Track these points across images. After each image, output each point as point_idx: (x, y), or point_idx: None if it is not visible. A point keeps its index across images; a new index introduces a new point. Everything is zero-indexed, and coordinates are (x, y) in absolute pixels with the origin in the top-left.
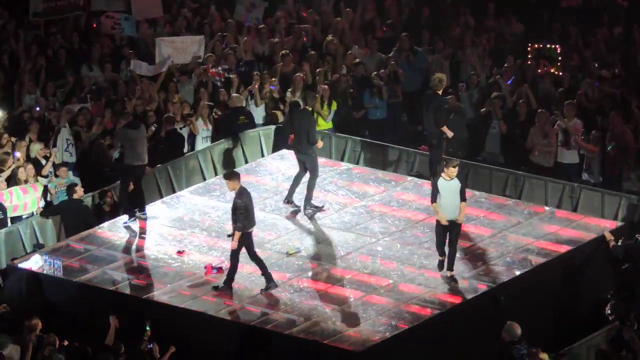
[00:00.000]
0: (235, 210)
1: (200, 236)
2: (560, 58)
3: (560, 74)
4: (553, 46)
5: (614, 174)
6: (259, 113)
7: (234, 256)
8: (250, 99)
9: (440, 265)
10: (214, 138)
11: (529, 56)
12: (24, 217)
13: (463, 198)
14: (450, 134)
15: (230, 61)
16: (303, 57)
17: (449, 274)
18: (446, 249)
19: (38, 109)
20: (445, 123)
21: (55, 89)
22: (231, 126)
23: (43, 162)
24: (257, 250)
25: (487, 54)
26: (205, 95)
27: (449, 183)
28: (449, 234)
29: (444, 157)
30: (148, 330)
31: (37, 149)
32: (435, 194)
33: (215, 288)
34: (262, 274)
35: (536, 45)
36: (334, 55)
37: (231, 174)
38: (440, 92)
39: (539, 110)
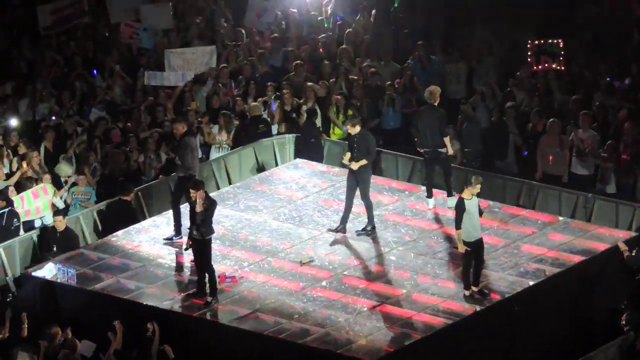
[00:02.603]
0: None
1: (213, 245)
2: (562, 53)
3: (562, 68)
4: (555, 41)
5: (628, 183)
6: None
7: (209, 265)
8: (263, 109)
9: (467, 298)
10: (234, 146)
11: (529, 53)
12: (35, 221)
13: (481, 212)
14: (451, 150)
15: (246, 73)
16: (317, 67)
17: (475, 289)
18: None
19: (54, 118)
20: (449, 133)
21: (70, 98)
22: (251, 135)
23: (64, 178)
24: (271, 259)
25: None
26: (218, 103)
27: (471, 202)
28: (475, 255)
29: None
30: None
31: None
32: (460, 218)
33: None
34: (209, 285)
35: (536, 42)
36: (347, 65)
37: (198, 183)
38: (436, 104)
39: (551, 120)
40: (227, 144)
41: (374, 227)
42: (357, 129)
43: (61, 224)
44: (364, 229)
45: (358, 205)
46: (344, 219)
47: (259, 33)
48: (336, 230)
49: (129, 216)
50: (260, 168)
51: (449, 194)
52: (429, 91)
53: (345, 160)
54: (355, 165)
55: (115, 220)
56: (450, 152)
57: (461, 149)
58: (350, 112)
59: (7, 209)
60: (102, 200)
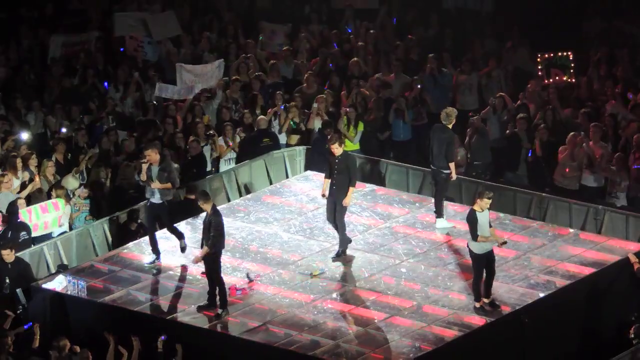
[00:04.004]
0: (211, 227)
1: (224, 257)
2: (573, 65)
3: (574, 80)
4: (565, 54)
5: (638, 196)
6: (282, 137)
7: (219, 277)
8: (274, 119)
9: (477, 310)
10: (238, 159)
11: (539, 67)
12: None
13: (490, 224)
14: (454, 175)
15: (255, 86)
16: (326, 80)
17: (486, 301)
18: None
19: (64, 130)
20: (454, 159)
21: (80, 112)
22: (254, 148)
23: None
24: (281, 271)
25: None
26: (227, 115)
27: (483, 215)
28: (486, 267)
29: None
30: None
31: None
32: (475, 228)
33: (201, 307)
34: (220, 297)
35: (546, 55)
36: (358, 77)
37: (205, 194)
38: (450, 127)
39: (572, 134)
40: (233, 150)
41: (344, 251)
42: (340, 151)
43: (9, 256)
44: (337, 254)
45: (367, 217)
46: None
47: (271, 55)
48: (338, 255)
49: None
50: (271, 180)
51: (438, 216)
52: (446, 112)
53: (324, 190)
54: (347, 201)
55: (182, 217)
56: (454, 177)
57: (467, 159)
58: (361, 124)
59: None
60: (113, 211)
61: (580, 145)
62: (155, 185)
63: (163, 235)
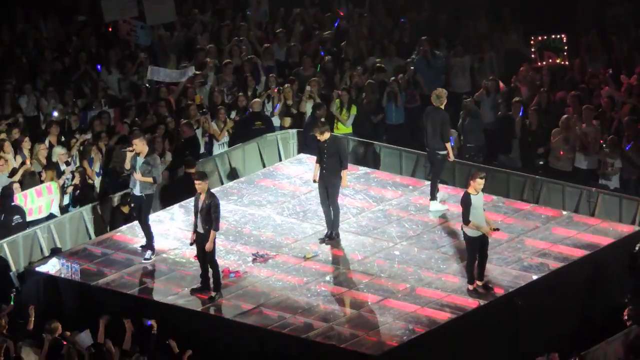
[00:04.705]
0: (210, 209)
1: (217, 240)
2: (566, 47)
3: (567, 63)
4: (558, 36)
5: (631, 178)
6: (275, 120)
7: (213, 259)
8: (267, 101)
9: (471, 293)
10: (230, 142)
11: (532, 49)
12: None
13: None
14: (452, 156)
15: (248, 68)
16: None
17: (479, 283)
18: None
19: (56, 113)
20: (450, 139)
21: (73, 96)
22: (246, 130)
23: (63, 167)
24: (275, 253)
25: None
26: (219, 99)
27: (477, 198)
28: (480, 250)
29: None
30: (153, 326)
31: (58, 152)
32: (467, 212)
33: (194, 290)
34: (213, 280)
35: (539, 38)
36: (351, 61)
37: (205, 175)
38: (442, 107)
39: (565, 116)
40: (228, 130)
41: (338, 234)
42: (327, 135)
43: None
44: (328, 235)
45: (361, 200)
46: (329, 224)
47: (258, 25)
48: (328, 237)
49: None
50: (264, 163)
51: (432, 198)
52: (436, 94)
53: (315, 175)
54: (344, 183)
55: (184, 191)
56: (451, 157)
57: (460, 141)
58: (354, 108)
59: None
60: (107, 193)
61: (573, 127)
62: (137, 176)
63: (156, 218)
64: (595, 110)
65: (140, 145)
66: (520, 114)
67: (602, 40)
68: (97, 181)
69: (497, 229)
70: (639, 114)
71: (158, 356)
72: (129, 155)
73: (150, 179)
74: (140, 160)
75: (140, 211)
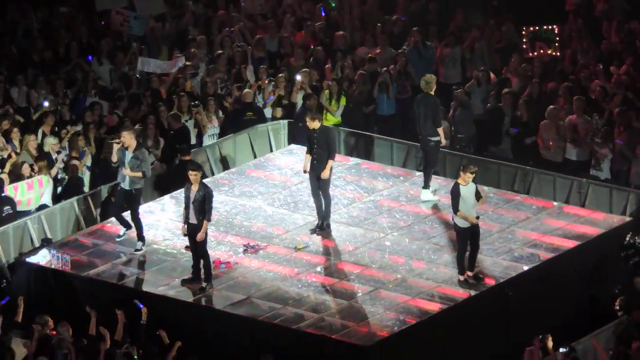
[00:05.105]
0: (205, 200)
1: (208, 231)
2: (558, 39)
3: (558, 54)
4: (550, 27)
5: (622, 169)
6: (267, 110)
7: (204, 249)
8: (258, 93)
9: (461, 284)
10: (222, 133)
11: (524, 40)
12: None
13: (479, 197)
14: (444, 140)
15: (239, 58)
16: (311, 53)
17: (470, 274)
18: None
19: (46, 104)
20: (442, 124)
21: (65, 85)
22: (237, 121)
23: (54, 155)
24: (265, 244)
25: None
26: (212, 89)
27: (466, 188)
28: (470, 241)
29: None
30: (143, 310)
31: (50, 142)
32: (456, 203)
33: (185, 281)
34: (204, 271)
35: (531, 28)
36: (343, 51)
37: (200, 166)
38: (432, 93)
39: (550, 107)
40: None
41: (329, 225)
42: (317, 124)
43: None
44: (319, 226)
45: (352, 191)
46: (320, 215)
47: (250, 17)
48: (319, 228)
49: None
50: (255, 154)
51: (425, 186)
52: (425, 80)
53: (306, 166)
54: (325, 174)
55: (180, 180)
56: (443, 142)
57: (450, 132)
58: (343, 98)
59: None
60: (97, 184)
61: (564, 118)
62: (126, 172)
63: (147, 209)
64: (585, 101)
65: (128, 138)
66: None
67: (592, 32)
68: (86, 176)
69: (477, 217)
70: (629, 105)
71: (148, 346)
72: (116, 147)
73: (139, 174)
74: (129, 154)
75: (130, 206)
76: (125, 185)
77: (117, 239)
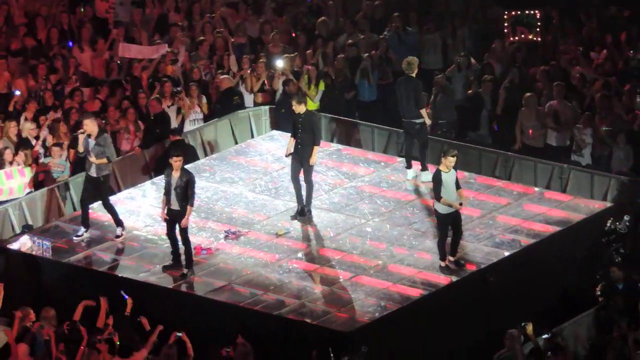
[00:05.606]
0: (187, 186)
1: (189, 217)
2: (539, 24)
3: (539, 39)
4: (532, 12)
5: (603, 154)
6: (249, 97)
7: (186, 236)
8: (241, 82)
9: (442, 269)
10: (210, 116)
11: (505, 24)
12: (8, 202)
13: (459, 185)
14: (428, 120)
15: (219, 45)
16: (293, 39)
17: (452, 259)
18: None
19: (18, 92)
20: (426, 106)
21: (47, 71)
22: (227, 108)
23: (33, 141)
24: (246, 230)
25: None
26: (198, 75)
27: (448, 175)
28: (450, 226)
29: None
30: (128, 300)
31: (28, 127)
32: (439, 189)
33: (166, 267)
34: (185, 257)
35: (513, 13)
36: (324, 38)
37: (183, 152)
38: (414, 75)
39: (528, 94)
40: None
41: (310, 210)
42: (303, 108)
43: None
44: (299, 212)
45: (333, 177)
46: (300, 200)
47: (231, 4)
48: (299, 214)
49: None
50: (236, 140)
51: (423, 168)
52: (407, 62)
53: (289, 150)
54: (312, 160)
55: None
56: (428, 122)
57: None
58: (322, 83)
59: None
60: (80, 170)
61: (543, 104)
62: (92, 159)
63: (128, 195)
64: (565, 87)
65: (91, 125)
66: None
67: (572, 18)
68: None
69: (461, 204)
70: (610, 90)
71: (129, 333)
72: (81, 137)
73: (104, 160)
74: (91, 142)
75: (100, 193)
76: (93, 173)
77: (74, 239)
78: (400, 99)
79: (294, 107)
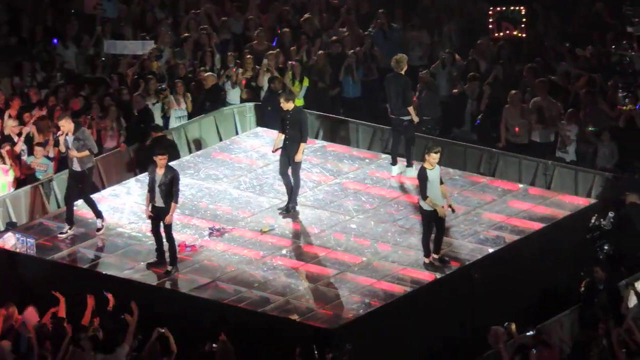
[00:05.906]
0: (172, 183)
1: (173, 214)
2: (524, 20)
3: (524, 36)
4: (518, 8)
5: (587, 151)
6: (235, 94)
7: (170, 233)
8: (226, 80)
9: (427, 266)
10: (198, 112)
11: (490, 20)
12: None
13: (441, 181)
14: (415, 118)
15: (203, 42)
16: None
17: (436, 256)
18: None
19: None
20: (413, 103)
21: (32, 68)
22: (216, 105)
23: (15, 139)
24: (231, 227)
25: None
26: (184, 71)
27: (433, 172)
28: (434, 223)
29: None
30: (109, 297)
31: (9, 125)
32: (425, 187)
33: (150, 264)
34: (170, 255)
35: (498, 9)
36: (309, 35)
37: (167, 149)
38: (403, 73)
39: (513, 92)
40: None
41: (295, 207)
42: (291, 105)
43: None
44: (285, 208)
45: (317, 173)
46: (290, 194)
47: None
48: (285, 210)
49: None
50: (221, 137)
51: (409, 165)
52: (396, 60)
53: (276, 145)
54: (298, 157)
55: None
56: (415, 119)
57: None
58: (306, 79)
59: None
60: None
61: (528, 101)
62: (73, 153)
63: (112, 192)
64: (549, 83)
65: (67, 125)
66: None
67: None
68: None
69: (450, 206)
70: (595, 86)
71: (114, 330)
72: (61, 138)
73: (86, 152)
74: (70, 138)
75: (83, 186)
76: (76, 167)
77: (59, 236)
78: (389, 95)
79: (282, 104)
